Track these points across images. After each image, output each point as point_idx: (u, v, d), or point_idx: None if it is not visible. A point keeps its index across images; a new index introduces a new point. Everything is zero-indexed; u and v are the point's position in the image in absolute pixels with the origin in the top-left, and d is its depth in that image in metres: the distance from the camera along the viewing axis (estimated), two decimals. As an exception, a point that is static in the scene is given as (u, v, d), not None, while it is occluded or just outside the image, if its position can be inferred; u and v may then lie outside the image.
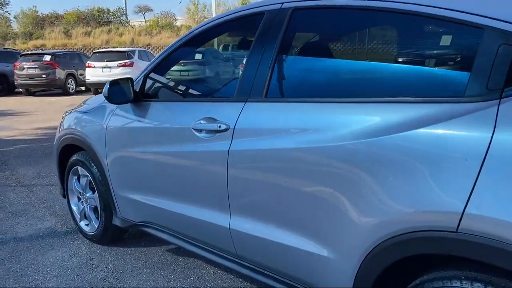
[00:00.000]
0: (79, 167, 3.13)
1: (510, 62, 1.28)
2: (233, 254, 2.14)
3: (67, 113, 3.36)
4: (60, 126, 3.37)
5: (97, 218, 3.12)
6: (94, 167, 2.95)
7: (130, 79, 2.56)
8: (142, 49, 17.37)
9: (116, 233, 3.09)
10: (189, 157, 2.21)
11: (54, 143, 3.45)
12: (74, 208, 3.33)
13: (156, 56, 2.63)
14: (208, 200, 2.17)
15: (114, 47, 21.80)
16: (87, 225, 3.25)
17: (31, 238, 3.34)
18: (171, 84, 2.87)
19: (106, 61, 14.96)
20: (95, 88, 15.24)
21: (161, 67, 2.62)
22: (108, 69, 14.82)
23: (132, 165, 2.62)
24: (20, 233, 3.44)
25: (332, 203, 1.62)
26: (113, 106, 2.76)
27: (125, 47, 18.60)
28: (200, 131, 2.12)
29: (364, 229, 1.52)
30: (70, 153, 3.25)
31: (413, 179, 1.38)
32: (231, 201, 2.03)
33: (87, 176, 3.07)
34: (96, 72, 14.87)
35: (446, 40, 1.58)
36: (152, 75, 2.62)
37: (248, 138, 1.92)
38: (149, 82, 2.64)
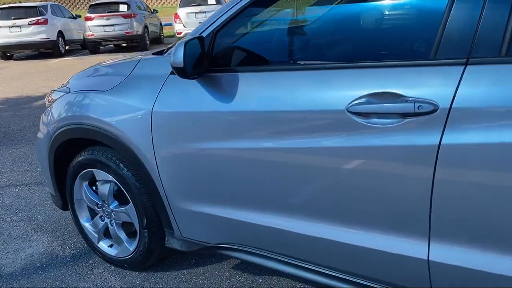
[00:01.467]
0: (95, 170, 2.18)
1: None
2: None
3: (58, 94, 2.34)
4: (47, 114, 2.35)
5: (131, 237, 2.25)
6: (125, 169, 2.05)
7: (200, 38, 1.67)
8: (54, 3, 15.11)
9: (160, 255, 2.24)
10: (339, 155, 1.44)
11: (40, 137, 2.43)
12: (86, 225, 2.39)
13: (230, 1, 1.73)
14: (380, 218, 1.44)
15: (21, 2, 18.91)
16: (110, 246, 2.35)
17: (26, 274, 2.37)
18: (277, 43, 1.93)
19: (14, 18, 12.77)
20: (3, 51, 13.11)
21: (244, 17, 1.74)
22: (18, 29, 12.71)
23: (210, 167, 1.78)
24: (7, 269, 2.44)
25: None
26: (160, 81, 1.86)
27: (35, 1, 16.08)
28: (364, 115, 1.35)
29: None
30: (72, 150, 2.29)
31: None
32: (433, 223, 1.32)
33: (111, 182, 2.15)
34: (3, 33, 12.68)
35: None
36: (226, 31, 1.74)
37: (477, 125, 1.20)
38: (221, 43, 1.76)
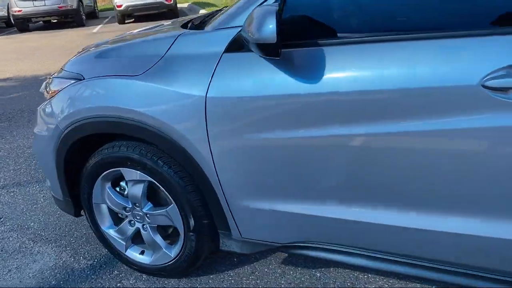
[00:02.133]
0: (124, 169, 1.86)
1: None
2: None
3: (63, 83, 1.96)
4: (51, 107, 1.98)
5: (170, 242, 1.98)
6: (166, 166, 1.76)
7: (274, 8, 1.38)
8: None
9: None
10: (471, 137, 1.26)
11: (41, 134, 2.05)
12: (110, 232, 2.07)
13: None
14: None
15: None
16: (141, 253, 2.06)
17: (44, 294, 2.04)
18: (378, 5, 1.59)
19: None
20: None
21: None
22: None
23: (284, 158, 1.54)
24: (16, 289, 2.08)
25: None
26: (211, 61, 1.57)
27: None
28: (503, 90, 1.18)
29: None
30: (85, 148, 1.95)
31: None
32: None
33: (144, 181, 1.85)
34: None
35: None
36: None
37: None
38: (294, 8, 1.50)
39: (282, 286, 1.96)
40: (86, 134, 1.88)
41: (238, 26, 1.55)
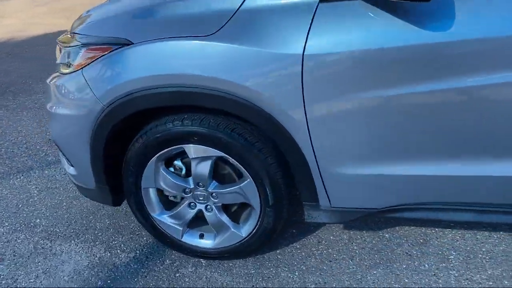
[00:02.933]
0: (190, 146, 1.63)
1: None
2: None
3: (93, 52, 1.64)
4: (73, 80, 1.67)
5: (237, 221, 1.81)
6: (242, 138, 1.57)
7: None
8: None
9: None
10: None
11: (67, 113, 1.72)
12: (164, 218, 1.83)
13: None
14: None
15: None
16: (201, 237, 1.86)
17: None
18: None
19: None
20: None
21: None
22: None
23: (392, 117, 1.41)
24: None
25: None
26: (306, 13, 1.38)
27: None
28: None
29: None
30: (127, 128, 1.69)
31: None
32: None
33: (212, 157, 1.64)
34: None
35: None
36: None
37: None
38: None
39: (356, 251, 1.89)
40: (135, 111, 1.61)
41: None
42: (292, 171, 1.60)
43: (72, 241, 2.08)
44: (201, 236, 1.86)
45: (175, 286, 1.79)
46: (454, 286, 1.68)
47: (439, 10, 1.29)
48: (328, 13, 1.37)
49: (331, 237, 1.98)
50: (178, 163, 1.74)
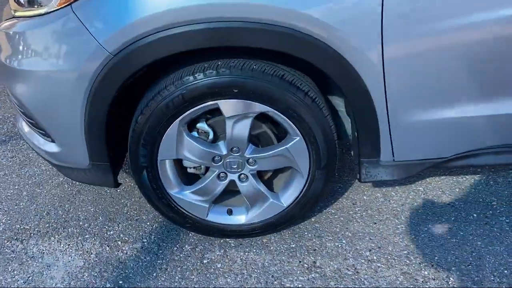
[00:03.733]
0: (223, 102, 1.29)
1: None
2: None
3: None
4: (54, 21, 1.24)
5: (271, 189, 1.53)
6: (293, 87, 1.28)
7: None
8: None
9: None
10: None
11: (46, 69, 1.28)
12: (186, 195, 1.48)
13: None
14: None
15: None
16: (229, 213, 1.55)
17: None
18: None
19: None
20: None
21: None
22: None
23: (469, 51, 1.22)
24: None
25: None
26: None
27: None
28: None
29: None
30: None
31: None
32: None
33: (252, 115, 1.32)
34: None
35: None
36: None
37: None
38: None
39: (397, 208, 1.71)
40: (158, 57, 1.22)
41: None
42: (356, 123, 1.35)
43: (52, 238, 1.64)
44: (230, 212, 1.54)
45: (207, 274, 1.47)
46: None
47: None
48: None
49: (365, 197, 1.78)
50: (203, 125, 1.40)
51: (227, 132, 1.35)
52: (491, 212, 1.68)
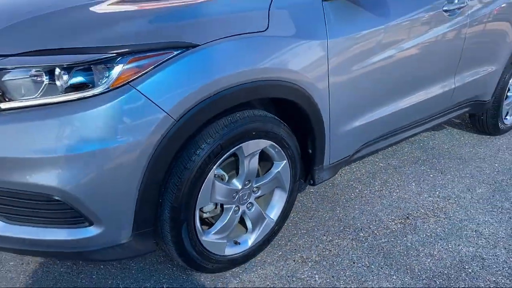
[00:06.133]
0: (248, 143, 1.64)
1: None
2: (448, 107, 2.68)
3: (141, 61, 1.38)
4: (118, 97, 1.35)
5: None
6: (283, 124, 1.79)
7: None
8: None
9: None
10: (435, 39, 2.30)
11: (111, 144, 1.35)
12: (211, 237, 1.68)
13: None
14: (437, 73, 2.46)
15: None
16: (236, 243, 1.82)
17: None
18: None
19: None
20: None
21: None
22: None
23: (366, 80, 2.01)
24: None
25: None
26: (318, 9, 1.78)
27: None
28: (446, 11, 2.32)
29: None
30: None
31: None
32: (459, 65, 2.56)
33: (259, 150, 1.73)
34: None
35: None
36: None
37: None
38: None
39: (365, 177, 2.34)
40: (215, 113, 1.50)
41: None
42: (315, 140, 1.90)
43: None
44: (236, 243, 1.82)
45: (245, 298, 1.71)
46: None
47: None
48: (336, 8, 1.80)
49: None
50: (219, 170, 1.67)
51: (244, 169, 1.68)
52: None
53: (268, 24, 1.60)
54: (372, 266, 1.90)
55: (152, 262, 1.87)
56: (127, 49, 1.34)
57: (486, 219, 2.27)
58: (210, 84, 1.44)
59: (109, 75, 1.32)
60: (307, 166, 2.00)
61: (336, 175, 2.44)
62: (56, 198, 1.34)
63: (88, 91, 1.31)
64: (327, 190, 2.48)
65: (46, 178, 1.31)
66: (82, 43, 1.34)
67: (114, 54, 1.33)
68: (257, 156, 1.71)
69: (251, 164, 1.69)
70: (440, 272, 1.88)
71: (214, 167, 1.56)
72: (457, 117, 3.00)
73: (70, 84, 1.31)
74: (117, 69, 1.32)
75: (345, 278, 1.83)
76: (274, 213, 1.89)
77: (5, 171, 1.33)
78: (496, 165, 2.88)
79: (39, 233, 1.41)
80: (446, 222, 2.23)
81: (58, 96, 1.31)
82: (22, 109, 1.32)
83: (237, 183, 1.70)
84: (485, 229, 2.19)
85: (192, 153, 1.50)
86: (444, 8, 2.28)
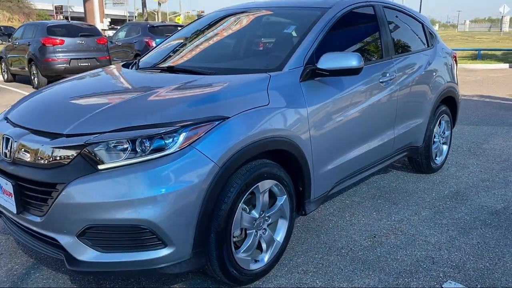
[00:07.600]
0: (263, 182, 2.30)
1: None
2: (393, 151, 3.52)
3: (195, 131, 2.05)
4: (180, 158, 1.98)
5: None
6: (282, 169, 2.48)
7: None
8: None
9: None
10: (377, 102, 3.16)
11: (179, 187, 1.97)
12: (242, 255, 2.27)
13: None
14: (381, 127, 3.30)
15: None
16: (256, 261, 2.43)
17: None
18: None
19: None
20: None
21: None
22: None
23: (334, 133, 2.78)
24: None
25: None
26: (297, 88, 2.56)
27: None
28: (382, 82, 3.21)
29: None
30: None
31: None
32: (396, 120, 3.43)
33: (268, 188, 2.40)
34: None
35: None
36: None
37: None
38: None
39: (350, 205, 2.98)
40: (245, 160, 2.17)
41: (299, 67, 2.63)
42: (304, 179, 2.59)
43: None
44: (256, 261, 2.41)
45: (268, 300, 2.29)
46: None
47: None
48: (308, 86, 2.59)
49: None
50: (243, 205, 2.30)
51: (260, 202, 2.33)
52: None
53: (269, 100, 2.33)
54: (356, 270, 2.55)
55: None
56: (188, 122, 2.02)
57: (431, 232, 3.02)
58: (238, 142, 2.12)
59: (177, 140, 1.97)
60: (298, 201, 2.67)
61: (315, 211, 3.13)
62: (143, 226, 1.92)
63: (165, 151, 1.94)
64: (310, 223, 3.14)
65: (136, 213, 1.89)
66: (155, 120, 2.00)
67: (179, 126, 1.99)
68: (267, 193, 2.37)
69: (264, 198, 2.35)
70: (404, 269, 2.56)
71: (242, 201, 2.20)
72: (399, 160, 3.84)
73: (152, 148, 1.94)
74: (182, 136, 1.98)
75: (338, 280, 2.46)
76: (280, 236, 2.52)
77: (104, 212, 1.90)
78: (433, 194, 3.70)
79: (125, 256, 1.95)
80: (402, 237, 2.95)
81: (146, 155, 1.92)
82: (114, 168, 1.93)
83: (255, 213, 2.34)
84: (431, 239, 2.92)
85: (228, 191, 2.13)
86: (380, 80, 3.16)
